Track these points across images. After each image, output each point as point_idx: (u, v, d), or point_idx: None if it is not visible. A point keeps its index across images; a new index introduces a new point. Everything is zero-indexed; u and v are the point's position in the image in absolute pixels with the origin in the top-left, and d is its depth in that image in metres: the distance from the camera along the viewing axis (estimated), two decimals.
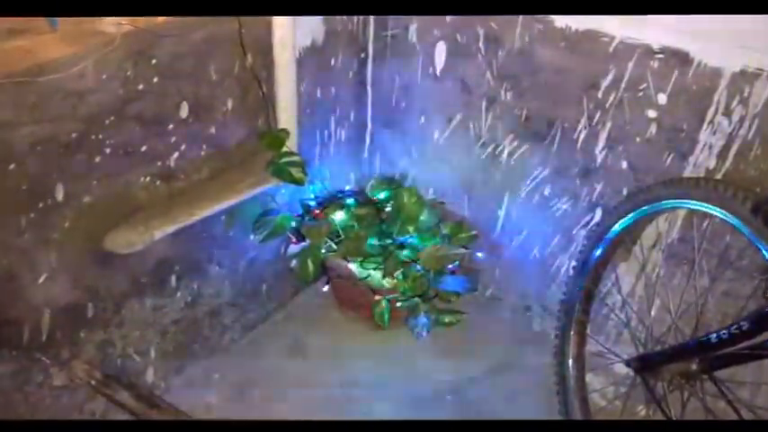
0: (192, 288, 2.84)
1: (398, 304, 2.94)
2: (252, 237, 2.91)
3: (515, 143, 3.01)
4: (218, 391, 2.97)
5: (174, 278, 2.75)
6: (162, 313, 2.80)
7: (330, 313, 3.37)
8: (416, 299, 2.88)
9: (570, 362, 2.80)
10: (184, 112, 2.40)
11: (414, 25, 3.03)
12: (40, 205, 2.18)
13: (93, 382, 2.72)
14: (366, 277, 2.93)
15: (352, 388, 3.00)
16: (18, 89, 2.00)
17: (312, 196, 3.06)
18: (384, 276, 2.86)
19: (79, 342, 2.59)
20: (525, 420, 2.74)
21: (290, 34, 2.52)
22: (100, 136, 2.21)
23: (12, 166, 2.06)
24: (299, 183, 2.72)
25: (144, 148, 2.35)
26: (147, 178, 2.41)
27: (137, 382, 2.80)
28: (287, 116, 2.66)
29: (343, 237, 2.93)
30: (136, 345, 2.77)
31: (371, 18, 3.09)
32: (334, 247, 2.93)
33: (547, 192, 3.02)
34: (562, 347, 2.82)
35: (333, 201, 3.04)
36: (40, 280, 2.32)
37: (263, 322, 3.30)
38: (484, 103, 3.01)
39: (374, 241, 2.92)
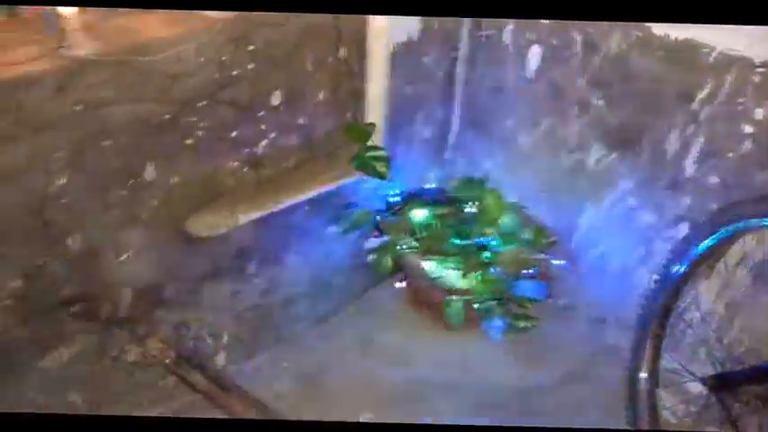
0: (268, 276, 2.87)
1: (475, 306, 2.90)
2: (331, 229, 2.91)
3: (603, 151, 2.95)
4: (286, 379, 2.98)
5: (252, 265, 2.78)
6: (238, 299, 2.83)
7: (402, 310, 3.35)
8: (493, 301, 2.84)
9: (643, 376, 2.73)
10: (276, 100, 2.43)
11: (508, 27, 3.00)
12: (130, 183, 2.23)
13: (166, 361, 2.77)
14: (442, 276, 2.90)
15: (418, 387, 2.97)
16: (118, 68, 2.05)
17: (393, 192, 3.05)
18: (463, 277, 2.84)
19: (156, 321, 2.64)
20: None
21: (386, 29, 2.52)
22: (193, 119, 2.25)
23: (106, 143, 2.12)
24: (382, 177, 2.71)
25: (234, 134, 2.39)
26: (235, 163, 2.45)
27: (208, 364, 2.84)
28: (375, 110, 2.66)
29: (421, 234, 2.91)
30: (210, 328, 2.81)
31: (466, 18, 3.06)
32: (413, 244, 2.92)
33: (631, 202, 2.94)
34: (636, 361, 2.74)
35: (413, 198, 3.03)
36: (124, 257, 2.37)
37: (334, 315, 3.31)
38: (574, 109, 2.96)
39: (453, 241, 2.89)
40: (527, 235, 3.03)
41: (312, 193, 2.65)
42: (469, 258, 2.84)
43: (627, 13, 2.51)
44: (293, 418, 2.78)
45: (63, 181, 2.09)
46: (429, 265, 2.94)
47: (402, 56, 2.87)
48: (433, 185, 3.31)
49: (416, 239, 2.92)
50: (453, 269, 2.90)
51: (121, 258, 2.34)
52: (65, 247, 2.23)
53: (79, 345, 2.51)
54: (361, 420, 2.83)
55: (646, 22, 2.61)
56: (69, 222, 2.19)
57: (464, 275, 2.84)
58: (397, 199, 3.05)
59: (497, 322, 2.92)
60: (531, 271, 2.96)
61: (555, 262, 3.13)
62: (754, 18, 2.20)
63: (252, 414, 2.79)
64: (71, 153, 2.07)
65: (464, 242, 2.88)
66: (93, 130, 2.07)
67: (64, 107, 1.99)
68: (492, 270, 2.86)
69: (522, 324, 2.97)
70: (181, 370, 2.82)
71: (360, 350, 3.15)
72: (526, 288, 2.93)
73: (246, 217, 2.51)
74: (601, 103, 2.88)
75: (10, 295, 2.21)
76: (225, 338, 2.91)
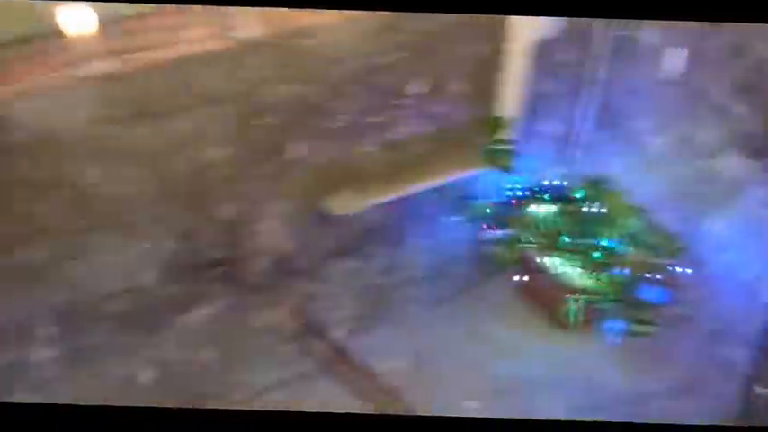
0: (390, 257, 2.97)
1: (596, 306, 2.89)
2: (452, 218, 2.97)
3: (738, 158, 2.86)
4: (397, 358, 3.07)
5: (375, 246, 2.89)
6: (359, 276, 2.95)
7: (514, 304, 3.37)
8: (613, 303, 2.82)
9: (761, 392, 2.66)
10: (418, 88, 2.51)
11: (648, 29, 2.95)
12: (275, 159, 2.37)
13: (292, 329, 2.93)
14: (562, 274, 2.91)
15: (522, 381, 3.00)
16: (278, 50, 2.18)
17: (517, 186, 3.08)
18: (587, 275, 2.83)
19: (285, 290, 2.79)
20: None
21: (527, 25, 2.55)
22: (339, 102, 2.36)
23: (261, 120, 2.26)
24: (507, 170, 2.75)
25: (376, 119, 2.48)
26: (374, 147, 2.55)
27: (328, 335, 2.98)
28: (510, 104, 2.69)
29: (544, 230, 2.92)
30: (333, 301, 2.94)
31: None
32: (533, 239, 2.93)
33: (765, 213, 2.84)
34: (754, 377, 2.68)
35: (537, 193, 3.04)
36: (263, 227, 2.52)
37: (447, 301, 3.37)
38: (712, 114, 2.88)
39: (575, 239, 2.89)
40: (655, 239, 2.98)
41: (440, 181, 2.72)
42: (592, 258, 2.84)
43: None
44: (403, 395, 2.88)
45: (221, 153, 2.25)
46: (549, 262, 2.95)
47: (541, 52, 2.88)
48: (557, 182, 3.31)
49: (539, 235, 2.93)
50: (574, 267, 2.90)
51: (262, 228, 2.49)
52: (216, 214, 2.40)
53: (215, 306, 2.69)
54: (464, 407, 2.90)
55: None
56: (222, 191, 2.36)
57: (588, 275, 2.84)
58: (520, 193, 3.07)
59: (615, 324, 2.90)
60: (655, 276, 2.92)
61: (680, 269, 3.07)
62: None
63: (365, 385, 2.91)
64: (231, 127, 2.22)
65: (587, 241, 2.87)
66: (251, 108, 2.21)
67: (229, 85, 2.14)
68: (615, 271, 2.84)
69: (640, 329, 2.93)
70: (304, 338, 2.97)
71: (468, 338, 3.20)
72: (649, 293, 2.89)
73: (378, 200, 2.61)
74: (742, 109, 2.80)
75: (164, 255, 2.41)
76: (346, 313, 3.03)
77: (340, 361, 2.90)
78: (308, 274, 2.77)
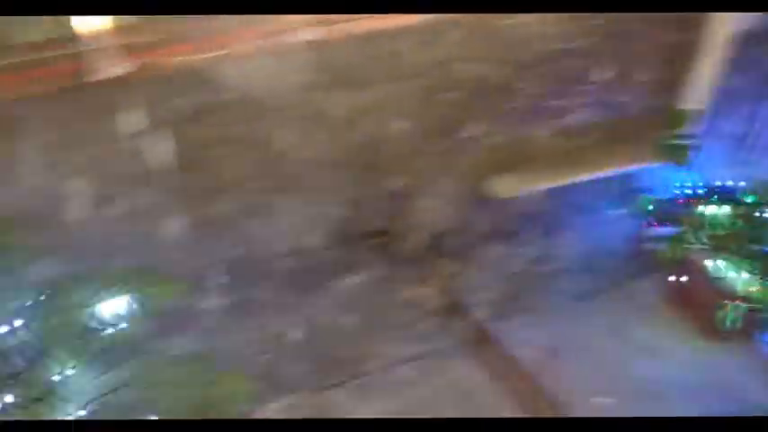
0: (543, 246, 2.91)
1: (756, 315, 2.74)
2: (615, 211, 2.88)
3: None
4: (534, 346, 3.03)
5: (531, 233, 2.84)
6: (510, 262, 2.91)
7: (663, 305, 3.26)
8: None
9: None
10: (602, 75, 2.43)
11: None
12: (451, 136, 2.36)
13: (435, 306, 2.94)
14: (725, 278, 2.77)
15: (662, 385, 2.89)
16: (472, 27, 2.14)
17: (686, 183, 2.94)
18: (753, 282, 2.68)
19: (435, 267, 2.80)
20: None
21: (728, 18, 2.40)
22: (520, 84, 2.32)
23: (443, 96, 2.24)
24: (682, 166, 2.63)
25: (554, 103, 2.42)
26: (547, 132, 2.49)
27: (472, 317, 2.97)
28: (698, 98, 2.56)
29: (711, 231, 2.79)
30: (479, 283, 2.92)
31: None
32: (703, 240, 2.80)
33: None
34: None
35: (709, 193, 2.89)
36: (426, 203, 2.52)
37: (594, 296, 3.29)
38: None
39: (744, 244, 2.74)
40: None
41: (610, 172, 2.64)
42: (761, 264, 2.68)
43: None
44: (537, 383, 2.85)
45: (401, 126, 2.26)
46: (713, 265, 2.82)
47: (738, 47, 2.73)
48: (730, 183, 3.14)
49: (706, 236, 2.80)
50: (740, 273, 2.75)
51: (426, 205, 2.50)
52: (384, 185, 2.42)
53: (368, 275, 2.72)
54: (594, 404, 2.83)
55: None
56: (394, 164, 2.37)
57: (754, 282, 2.69)
58: (689, 191, 2.93)
59: None
60: None
61: None
62: None
63: (503, 368, 2.89)
64: (415, 102, 2.22)
65: (758, 247, 2.72)
66: (438, 84, 2.20)
67: (422, 59, 2.14)
68: None
69: None
70: (444, 316, 2.97)
71: (610, 335, 3.12)
72: None
73: (543, 186, 2.56)
74: None
75: (331, 220, 2.46)
76: (489, 295, 3.01)
77: (480, 342, 2.89)
78: (459, 255, 2.75)
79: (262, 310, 2.59)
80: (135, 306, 2.08)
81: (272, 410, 2.79)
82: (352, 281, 2.72)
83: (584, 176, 2.64)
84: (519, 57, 2.27)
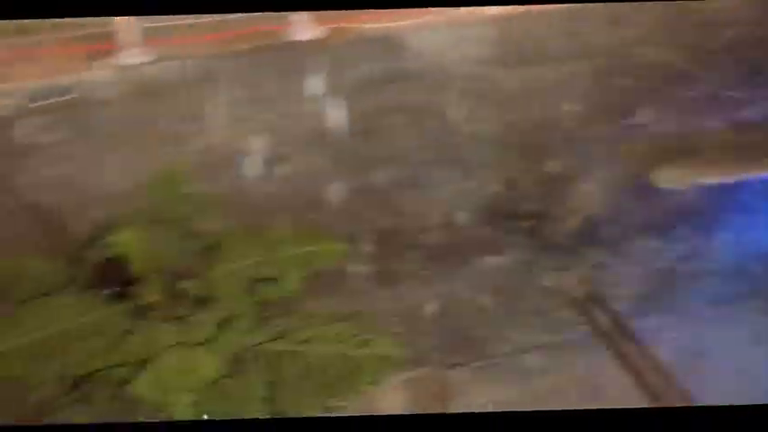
0: (695, 245, 2.78)
1: None
2: None
3: None
4: (670, 348, 2.92)
5: (685, 229, 2.71)
6: (657, 258, 2.80)
7: None
8: None
9: None
10: None
11: None
12: (620, 122, 2.27)
13: (574, 297, 2.86)
14: None
15: None
16: (659, 10, 2.04)
17: None
18: None
19: (581, 256, 2.72)
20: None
21: None
22: (700, 73, 2.19)
23: (617, 80, 2.16)
24: None
25: (731, 94, 2.29)
26: (721, 124, 2.36)
27: (611, 310, 2.88)
28: None
29: None
30: (623, 277, 2.82)
31: None
32: None
33: None
34: None
35: None
36: (583, 189, 2.45)
37: (738, 302, 3.11)
38: None
39: None
40: None
41: None
42: None
43: None
44: (678, 384, 2.73)
45: (571, 107, 2.20)
46: None
47: None
48: None
49: None
50: None
51: (583, 190, 2.42)
52: (543, 167, 2.37)
53: (511, 257, 2.68)
54: None
55: None
56: (557, 146, 2.31)
57: None
58: None
59: None
60: None
61: None
62: None
63: (639, 364, 2.79)
64: (585, 83, 2.15)
65: None
66: (613, 66, 2.12)
67: (602, 41, 2.07)
68: None
69: None
70: (584, 306, 2.89)
71: (753, 344, 2.95)
72: None
73: (706, 180, 2.43)
74: None
75: (484, 198, 2.43)
76: (629, 291, 2.91)
77: (620, 336, 2.79)
78: (608, 245, 2.67)
79: (403, 281, 2.60)
80: (292, 264, 2.14)
81: (394, 383, 2.80)
82: (495, 261, 2.69)
83: (753, 174, 2.49)
84: (705, 43, 2.15)
